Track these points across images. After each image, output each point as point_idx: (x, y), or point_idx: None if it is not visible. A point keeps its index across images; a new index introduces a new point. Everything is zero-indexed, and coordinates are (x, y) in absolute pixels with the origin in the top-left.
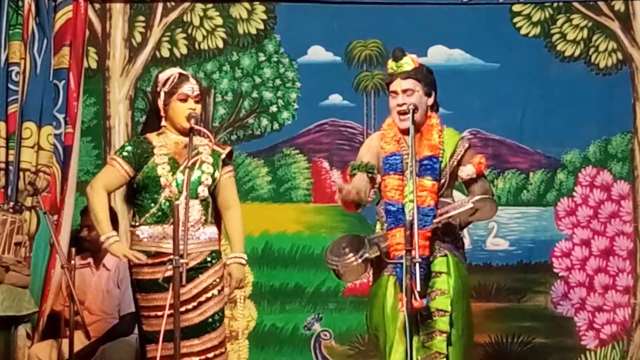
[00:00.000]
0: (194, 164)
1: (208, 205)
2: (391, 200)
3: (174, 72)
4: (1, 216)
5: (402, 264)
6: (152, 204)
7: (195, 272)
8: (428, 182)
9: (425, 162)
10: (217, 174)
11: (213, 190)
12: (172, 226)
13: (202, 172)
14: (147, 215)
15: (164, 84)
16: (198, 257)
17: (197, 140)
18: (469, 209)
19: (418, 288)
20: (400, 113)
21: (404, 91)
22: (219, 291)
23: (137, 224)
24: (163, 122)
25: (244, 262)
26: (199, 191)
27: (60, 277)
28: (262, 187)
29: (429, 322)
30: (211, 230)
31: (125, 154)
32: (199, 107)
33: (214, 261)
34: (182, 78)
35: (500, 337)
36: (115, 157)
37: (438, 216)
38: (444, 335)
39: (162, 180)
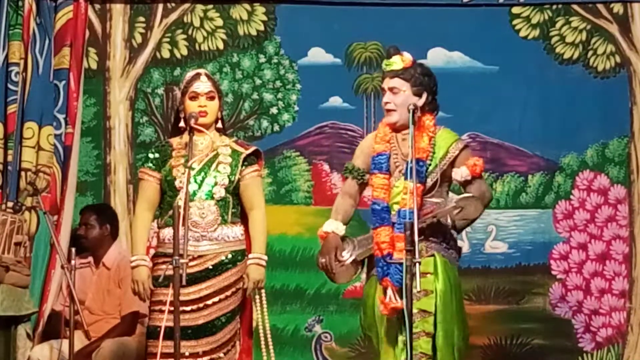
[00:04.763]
0: (209, 164)
1: (227, 205)
2: (376, 199)
3: (193, 72)
4: (1, 216)
5: (394, 264)
6: (170, 206)
7: (210, 272)
8: (411, 184)
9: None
10: (234, 175)
11: (236, 190)
12: (190, 227)
13: (219, 172)
14: (167, 217)
15: (180, 86)
16: (215, 257)
17: (218, 140)
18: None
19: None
20: (386, 110)
21: (390, 89)
22: (227, 296)
23: (160, 225)
24: (181, 123)
25: (263, 263)
26: (214, 192)
27: (60, 277)
28: (263, 189)
29: (413, 323)
30: (232, 231)
31: (150, 164)
32: (212, 104)
33: (230, 264)
34: (194, 76)
35: (499, 339)
36: (143, 170)
37: (422, 216)
38: (429, 336)
39: (177, 183)
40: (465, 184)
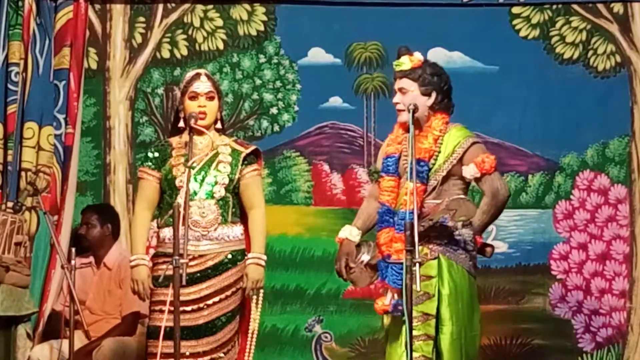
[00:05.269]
0: (209, 163)
1: (227, 204)
2: (380, 201)
3: (193, 72)
4: (1, 216)
5: (393, 265)
6: (170, 206)
7: (211, 272)
8: (411, 184)
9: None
10: (235, 174)
11: (237, 190)
12: (190, 227)
13: (219, 172)
14: (167, 216)
15: (180, 86)
16: (215, 257)
17: (218, 139)
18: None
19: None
20: (397, 110)
21: (399, 89)
22: (227, 296)
23: (160, 225)
24: (181, 123)
25: (262, 263)
26: (215, 191)
27: (60, 277)
28: (263, 188)
29: (416, 326)
30: (232, 230)
31: (149, 163)
32: (212, 104)
33: (230, 264)
34: (194, 76)
35: (499, 339)
36: (142, 169)
37: (422, 217)
38: (430, 339)
39: (177, 182)
40: (476, 181)
